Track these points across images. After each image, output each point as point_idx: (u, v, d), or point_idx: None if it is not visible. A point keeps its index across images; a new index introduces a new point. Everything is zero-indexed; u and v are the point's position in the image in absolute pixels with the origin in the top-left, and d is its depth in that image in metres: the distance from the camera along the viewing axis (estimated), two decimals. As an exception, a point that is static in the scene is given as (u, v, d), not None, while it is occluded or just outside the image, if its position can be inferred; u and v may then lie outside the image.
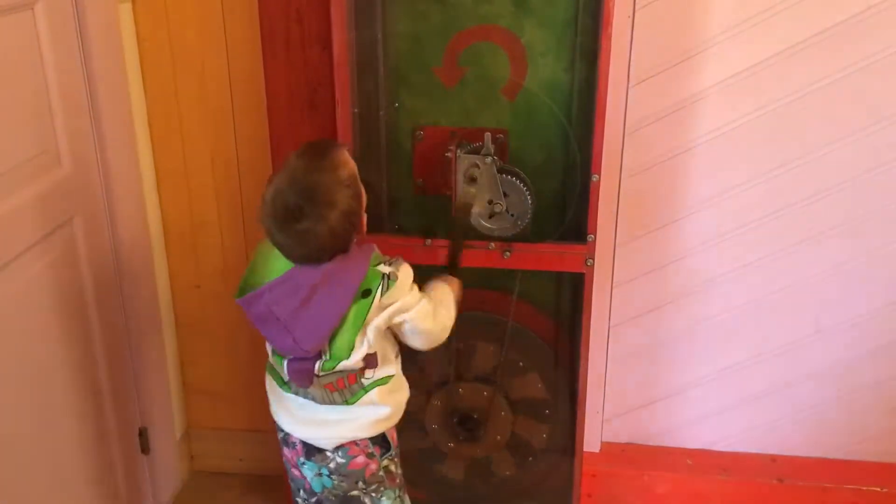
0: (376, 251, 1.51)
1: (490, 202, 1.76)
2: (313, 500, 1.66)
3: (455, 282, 1.68)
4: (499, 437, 2.03)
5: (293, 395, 1.55)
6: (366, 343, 1.47)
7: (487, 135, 1.75)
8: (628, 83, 1.95)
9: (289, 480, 1.70)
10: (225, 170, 2.16)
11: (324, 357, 1.46)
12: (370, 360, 1.50)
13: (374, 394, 1.52)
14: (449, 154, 1.77)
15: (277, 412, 1.60)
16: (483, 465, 2.09)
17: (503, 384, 1.98)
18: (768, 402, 2.23)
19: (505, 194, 1.76)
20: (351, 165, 1.44)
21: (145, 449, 2.19)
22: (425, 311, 1.52)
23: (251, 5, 1.91)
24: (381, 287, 1.45)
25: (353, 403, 1.52)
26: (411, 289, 1.50)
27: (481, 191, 1.75)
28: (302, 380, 1.49)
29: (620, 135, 1.99)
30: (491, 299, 1.94)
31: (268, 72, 1.86)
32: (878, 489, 2.19)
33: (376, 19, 1.81)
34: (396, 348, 1.58)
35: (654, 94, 1.96)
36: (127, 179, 2.02)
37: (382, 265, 1.47)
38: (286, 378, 1.53)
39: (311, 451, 1.57)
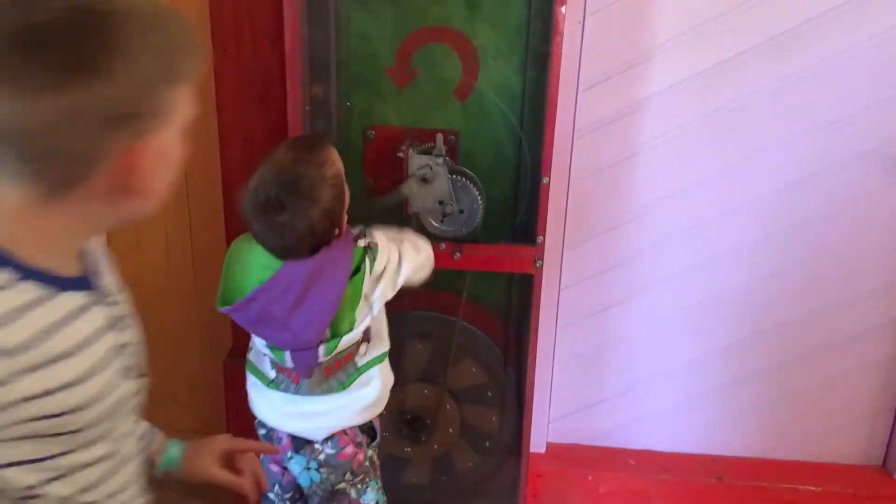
0: (354, 232, 1.51)
1: (441, 203, 1.76)
2: (287, 496, 1.66)
3: None
4: (447, 438, 2.03)
5: (280, 392, 1.54)
6: (369, 316, 1.49)
7: (439, 135, 1.76)
8: (578, 88, 1.98)
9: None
10: (171, 165, 2.12)
11: (326, 340, 1.47)
12: (365, 333, 1.52)
13: (370, 372, 1.54)
14: (401, 154, 1.77)
15: (260, 409, 1.59)
16: (443, 462, 2.09)
17: (451, 384, 1.99)
18: (708, 403, 2.28)
19: (456, 195, 1.76)
20: (338, 165, 1.44)
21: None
22: (409, 257, 1.54)
23: (201, 6, 1.88)
24: (367, 260, 1.46)
25: (347, 386, 1.52)
26: (390, 248, 1.52)
27: (432, 191, 1.76)
28: (308, 369, 1.49)
29: (570, 138, 2.02)
30: (441, 300, 1.94)
31: (217, 67, 1.83)
32: (814, 488, 2.26)
33: (329, 17, 1.80)
34: (386, 326, 1.60)
35: (603, 99, 1.99)
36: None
37: (360, 240, 1.48)
38: (272, 376, 1.54)
39: (300, 444, 1.57)
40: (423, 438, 2.03)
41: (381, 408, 1.60)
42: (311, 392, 1.53)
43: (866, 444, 2.31)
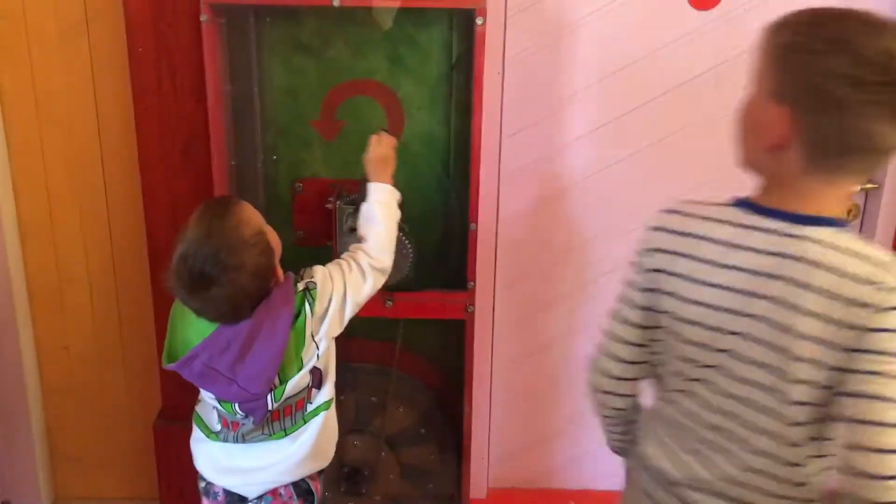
0: (294, 279, 1.48)
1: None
2: None
3: (383, 149, 1.64)
4: (386, 488, 2.01)
5: (220, 443, 1.51)
6: (315, 354, 1.46)
7: (366, 186, 1.77)
8: (501, 135, 2.02)
9: None
10: (94, 223, 2.08)
11: (274, 387, 1.44)
12: (315, 377, 1.49)
13: (319, 418, 1.50)
14: (329, 205, 1.78)
15: (200, 461, 1.55)
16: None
17: (388, 434, 1.98)
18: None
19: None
20: (254, 220, 1.41)
21: (7, 524, 2.05)
22: (355, 284, 1.50)
23: (121, 57, 1.88)
24: (307, 303, 1.43)
25: (289, 434, 1.49)
26: (332, 280, 1.48)
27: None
28: (259, 418, 1.46)
29: (496, 184, 2.05)
30: (374, 349, 1.94)
31: (139, 124, 1.82)
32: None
33: (252, 73, 1.82)
34: (333, 370, 1.56)
35: (527, 145, 2.04)
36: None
37: (299, 284, 1.45)
38: (216, 428, 1.50)
39: (234, 501, 1.53)
40: (364, 490, 2.01)
41: (321, 462, 1.56)
42: (251, 437, 1.49)
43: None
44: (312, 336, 1.45)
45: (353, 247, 1.56)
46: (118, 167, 2.03)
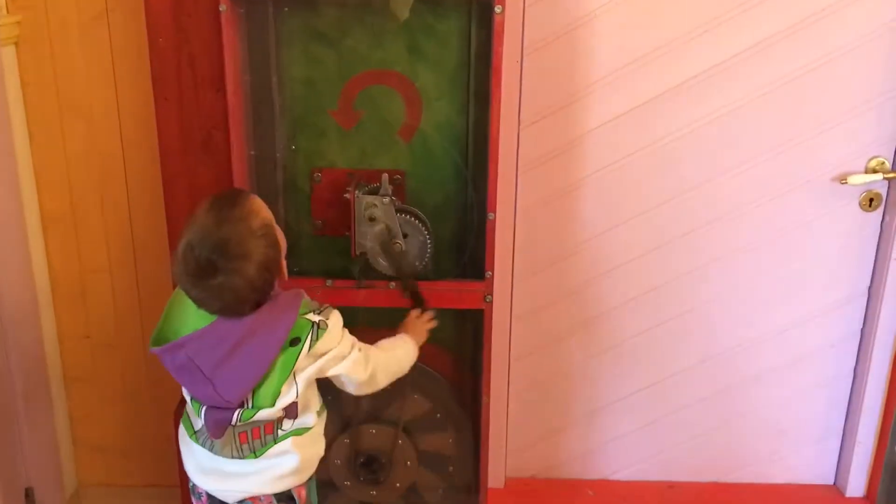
0: (305, 298, 1.47)
1: (389, 242, 1.78)
2: None
3: (420, 324, 1.74)
4: (404, 477, 2.02)
5: (200, 446, 1.50)
6: (293, 392, 1.43)
7: (384, 175, 1.78)
8: (519, 125, 2.02)
9: None
10: (115, 215, 2.10)
11: (245, 406, 1.42)
12: (291, 410, 1.45)
13: (286, 443, 1.47)
14: (347, 195, 1.78)
15: (187, 461, 1.54)
16: (412, 498, 2.07)
17: (406, 424, 1.98)
18: (662, 429, 2.31)
19: (404, 234, 1.78)
20: (263, 213, 1.41)
21: (31, 510, 2.08)
22: (356, 361, 1.49)
23: (141, 48, 1.89)
24: (310, 336, 1.41)
25: (259, 456, 1.47)
26: (342, 336, 1.47)
27: (380, 231, 1.77)
28: (217, 429, 1.43)
29: (514, 173, 2.05)
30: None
31: (159, 115, 1.83)
32: (768, 509, 2.29)
33: (271, 63, 1.82)
34: (321, 402, 1.54)
35: (545, 135, 2.04)
36: (9, 229, 1.94)
37: (311, 313, 1.43)
38: (197, 427, 1.49)
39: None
40: (382, 479, 2.01)
41: (301, 478, 1.52)
42: (221, 453, 1.47)
43: (817, 463, 2.35)
44: (296, 372, 1.42)
45: (377, 343, 1.60)
46: (139, 157, 2.05)
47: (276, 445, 1.47)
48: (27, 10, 1.95)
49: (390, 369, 1.60)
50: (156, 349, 1.41)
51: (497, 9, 1.65)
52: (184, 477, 1.60)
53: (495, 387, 2.06)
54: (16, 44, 1.97)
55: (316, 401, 1.52)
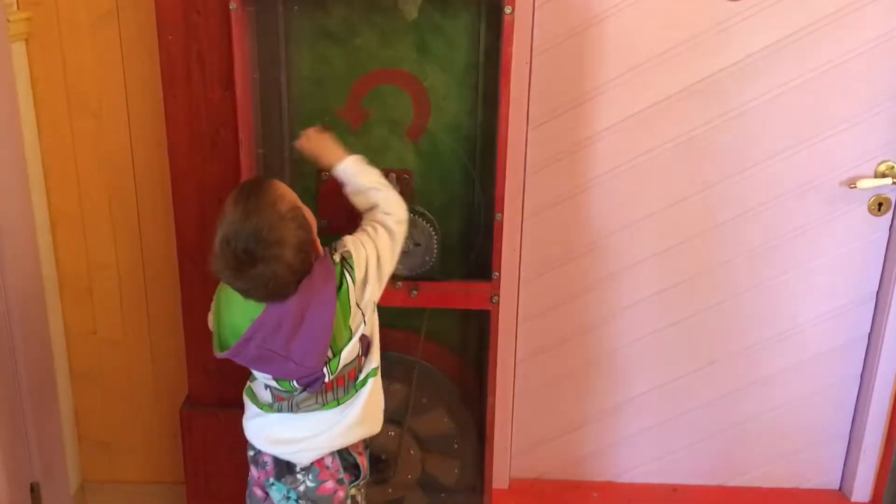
0: (331, 253, 1.51)
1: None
2: None
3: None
4: (409, 476, 2.02)
5: (276, 414, 1.54)
6: (363, 324, 1.50)
7: (392, 175, 1.78)
8: (527, 126, 2.01)
9: (245, 499, 1.69)
10: (123, 211, 2.11)
11: (328, 362, 1.48)
12: (363, 343, 1.53)
13: (368, 385, 1.55)
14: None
15: (250, 431, 1.59)
16: (393, 506, 2.08)
17: (412, 423, 1.98)
18: (668, 432, 2.30)
19: (411, 233, 1.78)
20: (289, 196, 1.44)
21: (37, 505, 2.08)
22: (384, 243, 1.54)
23: (151, 46, 1.89)
24: (346, 274, 1.47)
25: (342, 403, 1.53)
26: (362, 244, 1.52)
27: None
28: (317, 388, 1.50)
29: (522, 175, 2.05)
30: (398, 339, 1.94)
31: (168, 112, 1.83)
32: (773, 513, 2.28)
33: (279, 61, 1.82)
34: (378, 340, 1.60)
35: (553, 136, 2.03)
36: (18, 225, 1.94)
37: (335, 256, 1.49)
38: (267, 400, 1.54)
39: (282, 471, 1.56)
40: (388, 477, 2.02)
41: (371, 428, 1.60)
42: (304, 407, 1.52)
43: (823, 468, 2.34)
44: (357, 304, 1.49)
45: (367, 215, 1.59)
46: (147, 154, 2.05)
47: (356, 393, 1.54)
48: (38, 7, 1.95)
49: (393, 199, 1.61)
50: (224, 353, 1.46)
51: (507, 9, 1.64)
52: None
53: (501, 387, 2.05)
54: (26, 40, 1.98)
55: (377, 336, 1.59)
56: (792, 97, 1.99)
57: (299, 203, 1.45)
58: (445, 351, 1.98)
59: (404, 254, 1.77)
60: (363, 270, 1.50)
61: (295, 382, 1.50)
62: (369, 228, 1.56)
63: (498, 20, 1.70)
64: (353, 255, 1.49)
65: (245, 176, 1.78)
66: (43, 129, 2.05)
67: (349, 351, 1.50)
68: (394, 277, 1.79)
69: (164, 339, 2.20)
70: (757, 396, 2.26)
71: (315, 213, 1.89)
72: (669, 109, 2.01)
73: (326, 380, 1.49)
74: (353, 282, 1.47)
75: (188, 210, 1.90)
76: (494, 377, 1.89)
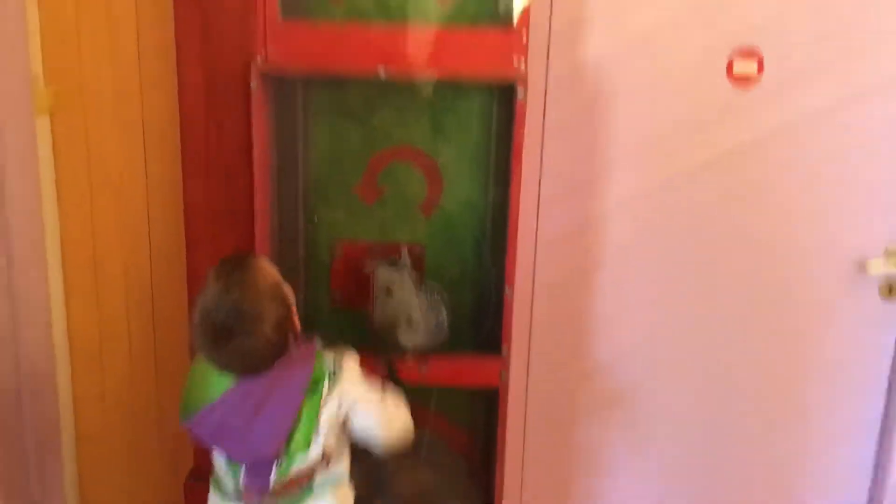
0: (320, 347, 1.50)
1: (407, 315, 1.78)
2: None
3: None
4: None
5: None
6: (321, 437, 1.46)
7: (404, 249, 1.80)
8: (539, 202, 2.04)
9: None
10: (138, 281, 2.12)
11: (281, 459, 1.45)
12: (323, 455, 1.49)
13: (327, 493, 1.50)
14: (367, 270, 1.80)
15: None
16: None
17: (417, 498, 1.95)
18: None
19: (421, 308, 1.79)
20: (271, 274, 1.45)
21: (36, 579, 2.04)
22: (372, 399, 1.51)
23: (172, 121, 1.94)
24: (328, 379, 1.45)
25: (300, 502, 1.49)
26: (360, 378, 1.50)
27: (398, 304, 1.78)
28: (261, 485, 1.46)
29: (532, 250, 2.06)
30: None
31: (187, 186, 1.87)
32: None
33: (297, 137, 1.87)
34: (348, 449, 1.56)
35: (564, 213, 2.05)
36: (32, 293, 1.96)
37: (328, 359, 1.48)
38: (229, 489, 1.51)
39: None
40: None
41: None
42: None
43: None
44: (321, 417, 1.46)
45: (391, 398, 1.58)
46: (163, 226, 2.08)
47: (311, 494, 1.49)
48: (63, 83, 2.01)
49: (403, 419, 1.59)
50: (188, 421, 1.44)
51: (519, 93, 1.68)
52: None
53: (509, 463, 2.03)
54: (50, 114, 2.03)
55: (346, 453, 1.55)
56: (803, 176, 2.01)
57: (280, 280, 1.46)
58: (449, 423, 1.97)
59: (413, 328, 1.78)
60: (341, 390, 1.47)
61: (242, 470, 1.46)
62: (377, 387, 1.55)
63: (510, 100, 1.74)
64: (345, 372, 1.48)
65: (259, 248, 1.80)
66: (63, 202, 2.08)
67: (302, 461, 1.46)
68: (404, 351, 1.80)
69: (172, 408, 2.19)
70: (775, 442, 2.22)
71: (328, 284, 1.92)
72: (681, 188, 2.03)
73: (272, 478, 1.45)
74: (329, 391, 1.45)
75: (202, 277, 1.91)
76: (503, 455, 1.87)
